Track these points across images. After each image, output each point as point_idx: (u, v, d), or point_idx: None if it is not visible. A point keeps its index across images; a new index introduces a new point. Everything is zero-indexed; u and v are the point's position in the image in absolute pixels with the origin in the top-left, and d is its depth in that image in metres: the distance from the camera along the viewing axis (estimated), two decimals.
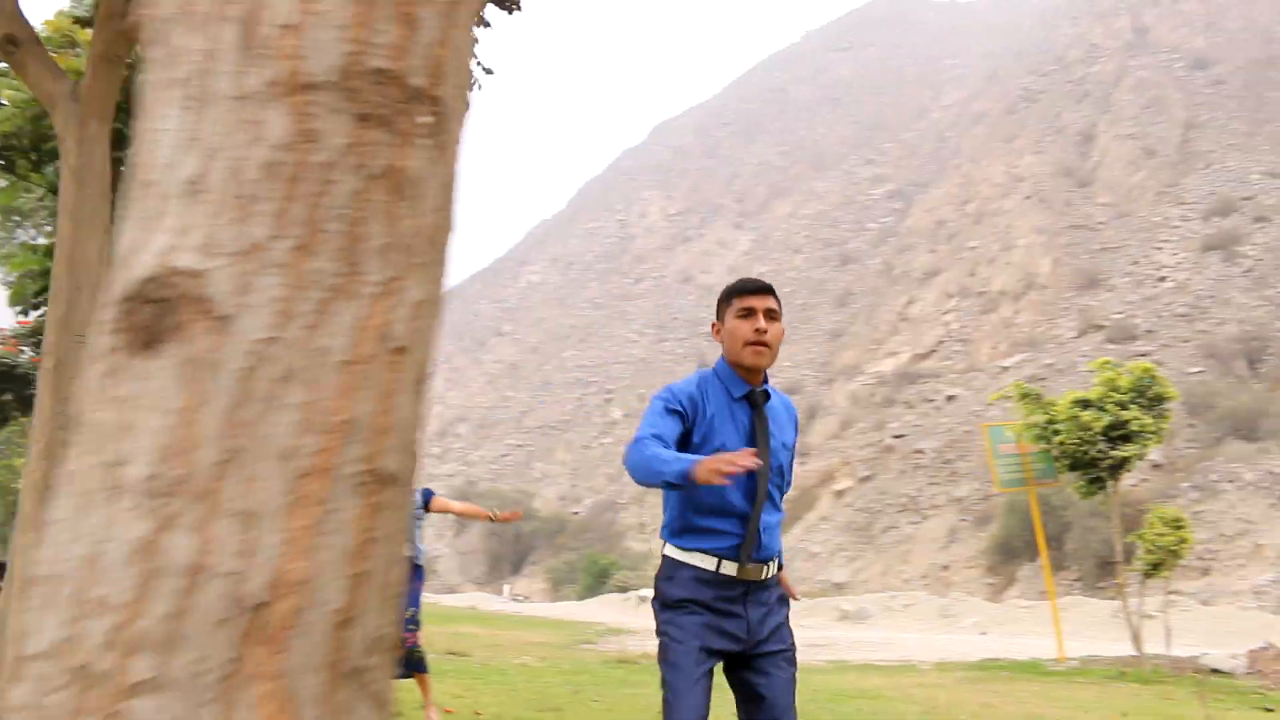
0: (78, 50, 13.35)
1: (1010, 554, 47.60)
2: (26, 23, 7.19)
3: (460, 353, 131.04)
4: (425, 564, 7.60)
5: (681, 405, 3.24)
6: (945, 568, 52.11)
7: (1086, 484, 15.14)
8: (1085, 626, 24.06)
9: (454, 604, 42.36)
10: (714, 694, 3.20)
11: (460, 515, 7.95)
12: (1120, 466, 14.76)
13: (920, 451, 62.37)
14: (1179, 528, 14.24)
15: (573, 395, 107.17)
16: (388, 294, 1.10)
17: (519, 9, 9.71)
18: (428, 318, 1.15)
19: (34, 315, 15.63)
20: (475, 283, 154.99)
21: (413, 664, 6.95)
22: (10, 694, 1.02)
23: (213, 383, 1.03)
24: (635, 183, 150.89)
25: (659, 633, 3.25)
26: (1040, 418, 15.29)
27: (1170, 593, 16.40)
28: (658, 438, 3.14)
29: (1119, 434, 14.52)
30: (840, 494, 64.48)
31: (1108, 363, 15.50)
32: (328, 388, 1.05)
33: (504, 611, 37.84)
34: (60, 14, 14.08)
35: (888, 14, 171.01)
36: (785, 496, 3.49)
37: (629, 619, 31.00)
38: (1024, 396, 15.77)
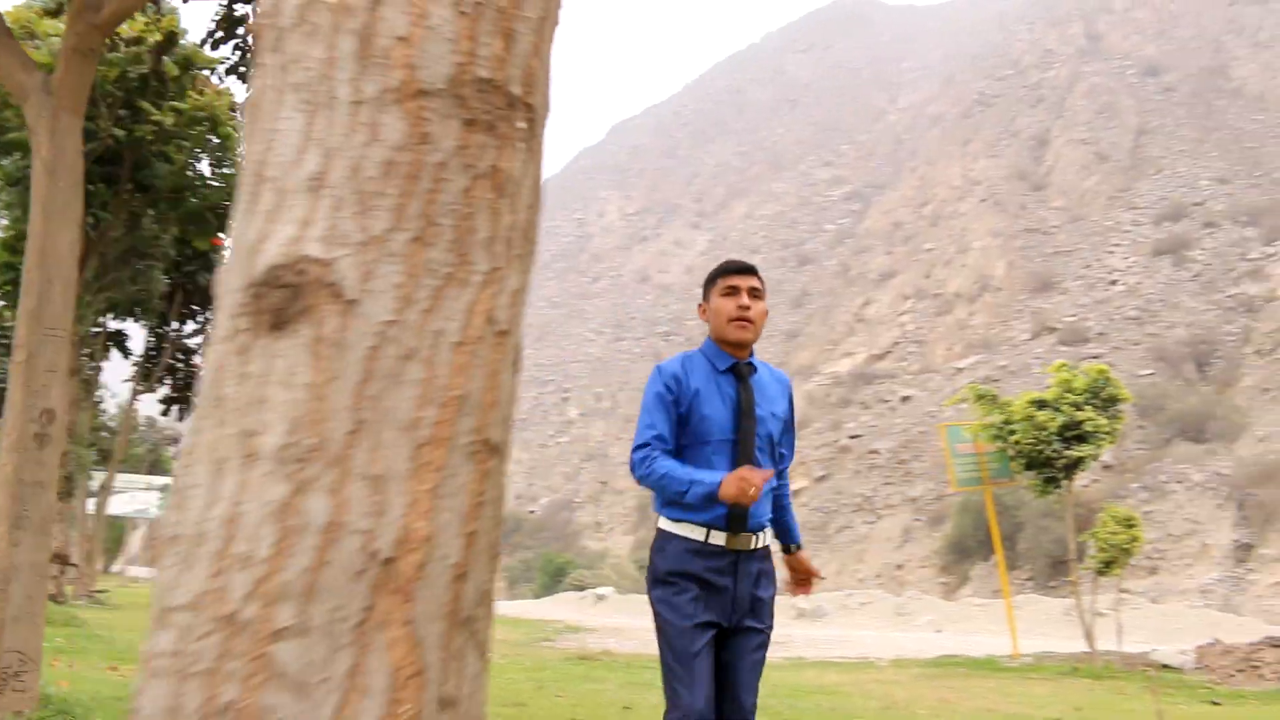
0: (37, 42, 13.27)
1: (963, 553, 48.21)
2: None
3: None
4: None
5: (670, 389, 3.38)
6: (899, 567, 52.66)
7: (1042, 483, 15.41)
8: (1038, 624, 24.42)
9: None
10: None
11: None
12: (1075, 466, 15.05)
13: (875, 452, 62.95)
14: (1131, 526, 14.52)
15: (529, 394, 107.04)
16: (491, 282, 1.22)
17: None
18: (522, 304, 1.27)
19: None
20: None
21: None
22: (155, 641, 1.12)
23: (340, 360, 1.14)
24: (593, 182, 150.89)
25: (654, 611, 3.34)
26: (997, 418, 15.55)
27: (1121, 591, 16.73)
28: (661, 439, 3.33)
29: (1074, 434, 14.81)
30: (796, 494, 64.67)
31: (1064, 365, 15.80)
32: (443, 366, 1.17)
33: None
34: (26, 4, 13.97)
35: (846, 16, 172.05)
36: (791, 463, 3.65)
37: (586, 617, 31.11)
38: (979, 398, 16.02)
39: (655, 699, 9.54)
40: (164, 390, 23.35)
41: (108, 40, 9.89)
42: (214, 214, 16.97)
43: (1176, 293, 65.36)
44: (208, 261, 20.23)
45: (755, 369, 3.53)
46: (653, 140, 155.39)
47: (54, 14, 12.18)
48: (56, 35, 12.20)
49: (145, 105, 14.47)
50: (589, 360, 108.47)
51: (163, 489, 33.45)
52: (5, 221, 16.41)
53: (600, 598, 37.13)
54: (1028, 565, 43.77)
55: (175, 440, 42.51)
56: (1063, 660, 14.84)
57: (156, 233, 17.81)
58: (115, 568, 49.35)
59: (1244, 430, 49.68)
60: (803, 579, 3.69)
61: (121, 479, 31.41)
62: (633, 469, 3.35)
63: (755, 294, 3.47)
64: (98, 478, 27.71)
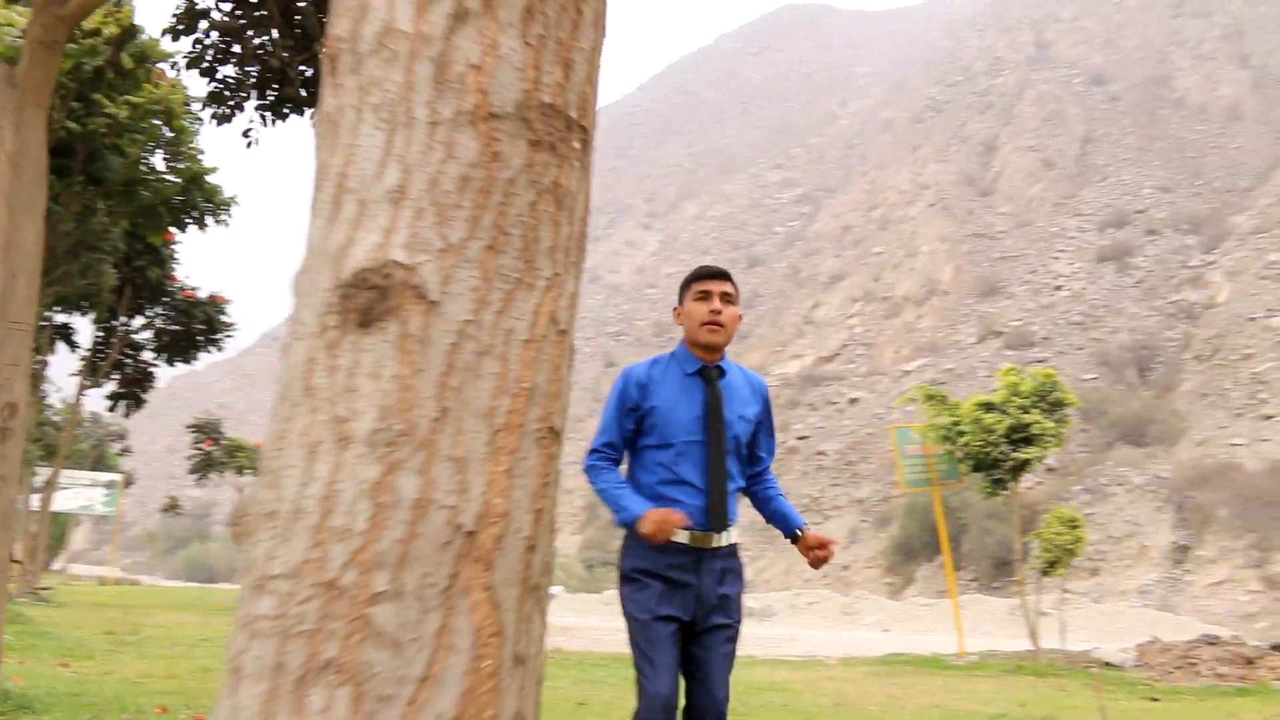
0: None
1: (909, 554, 48.75)
2: None
3: None
4: None
5: (631, 395, 3.52)
6: (846, 567, 53.08)
7: (989, 484, 15.65)
8: (983, 623, 24.82)
9: None
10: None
11: None
12: (1021, 468, 15.31)
13: (823, 453, 63.42)
14: (1075, 527, 14.79)
15: None
16: (553, 286, 1.37)
17: None
18: (576, 306, 1.42)
19: None
20: None
21: None
22: (255, 606, 1.25)
23: (424, 355, 1.28)
24: None
25: (622, 607, 3.47)
26: (946, 420, 15.78)
27: (1064, 591, 17.07)
28: (611, 447, 3.51)
29: (1021, 436, 15.08)
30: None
31: (1013, 369, 16.08)
32: (515, 361, 1.32)
33: None
34: None
35: (799, 20, 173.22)
36: (770, 465, 3.80)
37: None
38: (929, 398, 16.23)
39: (609, 695, 9.67)
40: (110, 386, 23.09)
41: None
42: (167, 208, 16.81)
43: (1119, 299, 66.53)
44: (158, 256, 20.02)
45: (725, 372, 3.62)
46: (604, 140, 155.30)
47: (12, 0, 12.07)
48: (11, 25, 12.09)
49: (100, 98, 14.34)
50: None
51: (107, 485, 32.94)
52: None
53: (549, 596, 37.17)
54: (972, 566, 44.34)
55: (121, 436, 41.93)
56: (1007, 658, 15.09)
57: (107, 226, 17.62)
58: (57, 565, 48.60)
59: (1183, 434, 50.71)
60: (820, 552, 3.64)
61: (65, 475, 30.97)
62: (585, 469, 3.51)
63: (727, 299, 3.58)
64: (42, 473, 27.33)
